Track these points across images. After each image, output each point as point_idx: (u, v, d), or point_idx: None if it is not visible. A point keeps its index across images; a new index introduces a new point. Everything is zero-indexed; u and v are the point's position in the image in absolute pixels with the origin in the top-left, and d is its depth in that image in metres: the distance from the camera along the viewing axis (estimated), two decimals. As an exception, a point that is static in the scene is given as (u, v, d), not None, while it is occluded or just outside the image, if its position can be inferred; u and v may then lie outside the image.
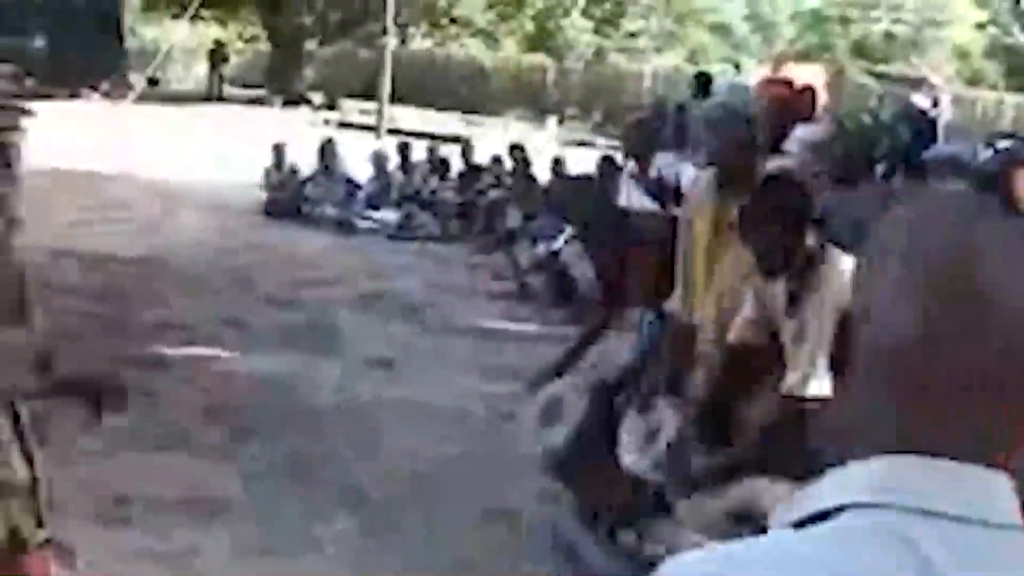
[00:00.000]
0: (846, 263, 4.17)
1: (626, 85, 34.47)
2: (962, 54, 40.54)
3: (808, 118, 9.79)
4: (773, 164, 5.51)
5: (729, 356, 4.46)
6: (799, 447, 4.02)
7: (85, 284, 10.08)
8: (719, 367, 4.51)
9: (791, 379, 4.07)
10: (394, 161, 15.84)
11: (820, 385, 3.96)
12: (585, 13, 40.66)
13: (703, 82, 14.95)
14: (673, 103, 9.78)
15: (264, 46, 38.05)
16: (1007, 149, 5.87)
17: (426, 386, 7.98)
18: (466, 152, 15.86)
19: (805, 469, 3.43)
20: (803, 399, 4.00)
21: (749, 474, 4.11)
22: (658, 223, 5.64)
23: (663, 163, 8.13)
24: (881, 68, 31.20)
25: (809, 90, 11.06)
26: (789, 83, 9.64)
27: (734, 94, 5.31)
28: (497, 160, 15.14)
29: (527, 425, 6.00)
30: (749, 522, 3.92)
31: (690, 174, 6.63)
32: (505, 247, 12.24)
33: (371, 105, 28.95)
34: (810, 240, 4.18)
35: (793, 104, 8.27)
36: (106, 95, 29.89)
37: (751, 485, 4.08)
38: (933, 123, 13.09)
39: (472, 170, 15.32)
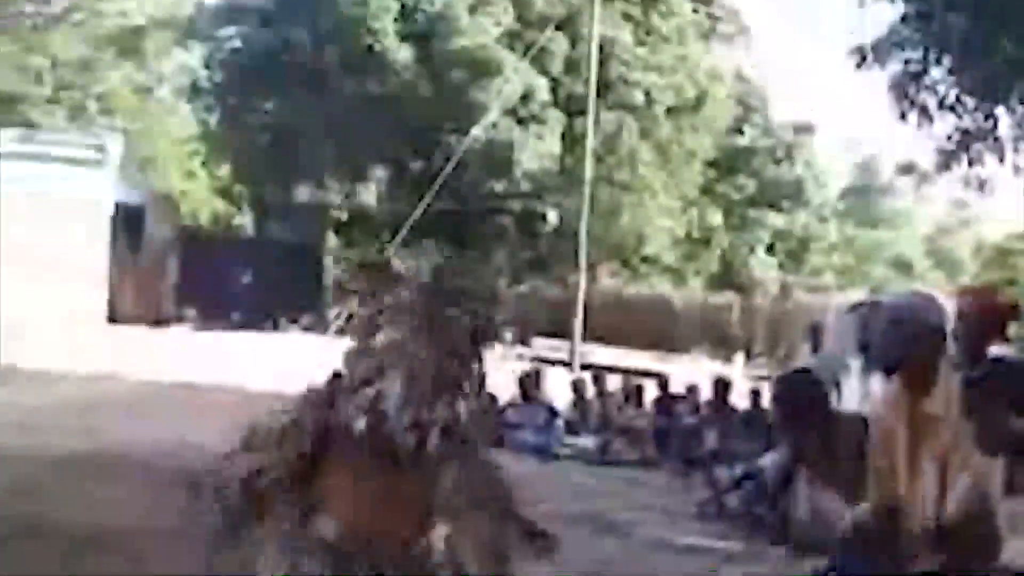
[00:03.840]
0: None
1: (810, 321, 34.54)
2: None
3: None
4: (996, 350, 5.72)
5: (944, 534, 4.68)
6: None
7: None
8: (934, 548, 4.72)
9: (1010, 555, 4.30)
10: (591, 390, 16.34)
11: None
12: (770, 250, 41.19)
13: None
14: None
15: (456, 286, 39.19)
16: None
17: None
18: (663, 383, 16.34)
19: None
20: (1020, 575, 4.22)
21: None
22: (859, 426, 5.85)
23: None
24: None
25: (1015, 308, 11.27)
26: (992, 297, 9.81)
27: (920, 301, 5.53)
28: (691, 389, 15.51)
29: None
30: None
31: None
32: (703, 469, 12.51)
33: (561, 343, 29.67)
34: None
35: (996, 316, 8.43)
36: (306, 329, 31.11)
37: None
38: None
39: (667, 398, 15.71)
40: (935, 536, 4.81)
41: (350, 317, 3.50)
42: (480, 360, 3.54)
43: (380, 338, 3.43)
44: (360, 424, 3.40)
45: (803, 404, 5.52)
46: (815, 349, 12.06)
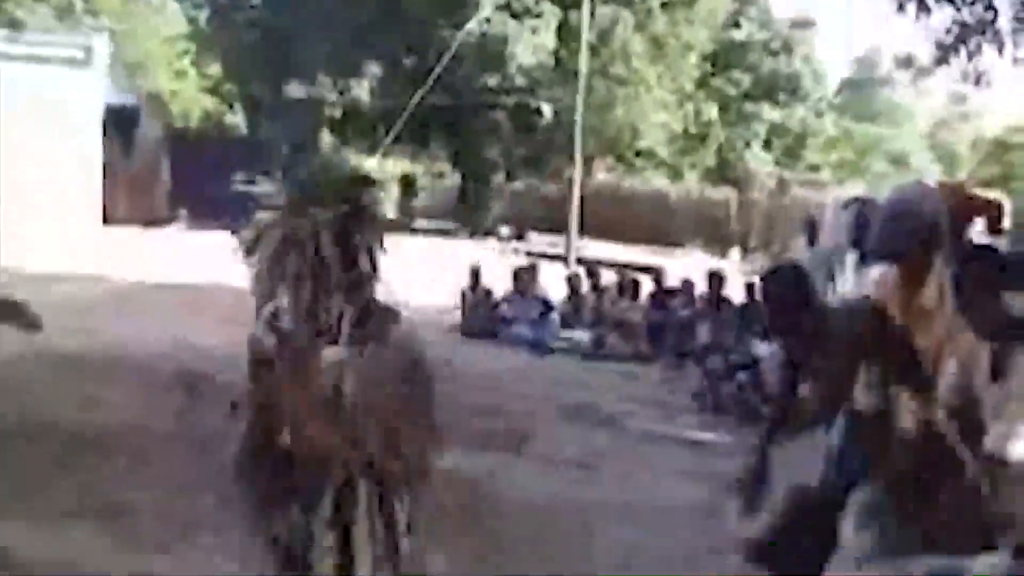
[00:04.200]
0: None
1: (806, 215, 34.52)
2: None
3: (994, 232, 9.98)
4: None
5: (932, 420, 4.76)
6: (999, 512, 4.30)
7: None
8: (922, 435, 4.79)
9: (993, 441, 4.36)
10: (585, 284, 16.41)
11: (1020, 451, 4.27)
12: (766, 145, 41.07)
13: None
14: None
15: (450, 182, 39.16)
16: None
17: (626, 485, 8.37)
18: (658, 277, 16.40)
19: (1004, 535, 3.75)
20: (1004, 462, 4.28)
21: (950, 542, 4.37)
22: (850, 317, 5.88)
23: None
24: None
25: (996, 205, 11.27)
26: (971, 196, 9.83)
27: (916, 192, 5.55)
28: (686, 283, 15.56)
29: (728, 519, 6.33)
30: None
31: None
32: (697, 362, 12.61)
33: (557, 238, 29.72)
34: (1019, 309, 4.49)
35: (976, 213, 8.45)
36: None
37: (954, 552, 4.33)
38: None
39: (662, 293, 15.77)
40: (926, 424, 4.87)
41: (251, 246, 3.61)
42: (368, 247, 3.64)
43: (264, 257, 3.56)
44: (269, 341, 3.57)
45: (790, 298, 5.51)
46: (811, 243, 12.09)
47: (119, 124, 29.36)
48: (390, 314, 3.72)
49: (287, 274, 3.52)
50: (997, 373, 4.55)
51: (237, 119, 46.21)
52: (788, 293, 5.55)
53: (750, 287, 14.44)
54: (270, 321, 3.57)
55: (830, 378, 5.62)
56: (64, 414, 8.73)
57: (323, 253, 3.51)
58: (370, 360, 3.59)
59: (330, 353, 3.56)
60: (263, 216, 3.63)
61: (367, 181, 3.87)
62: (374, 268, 3.66)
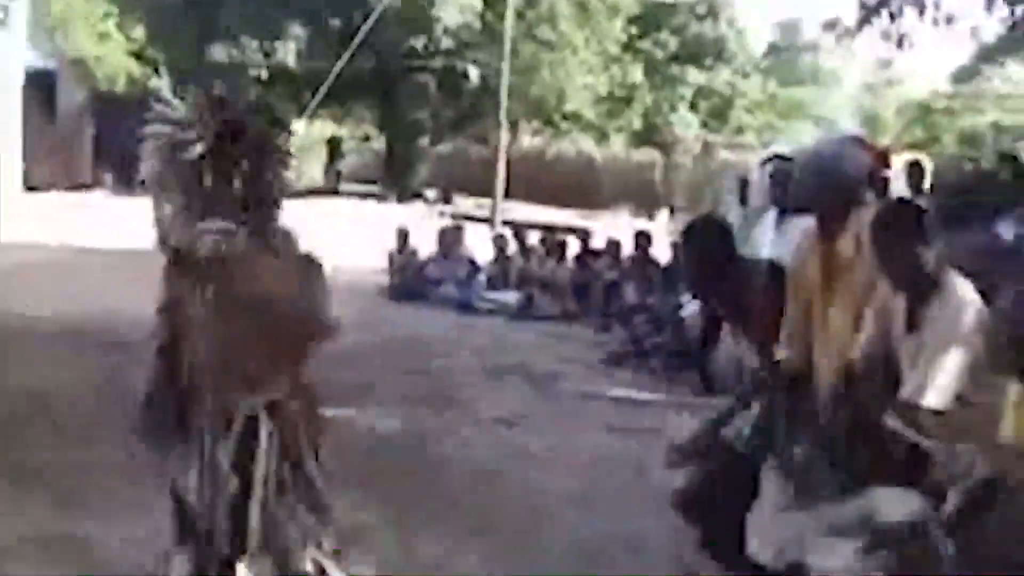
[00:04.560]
0: (964, 285, 4.59)
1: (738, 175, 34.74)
2: (1075, 142, 40.37)
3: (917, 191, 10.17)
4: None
5: (851, 371, 4.87)
6: (914, 455, 4.41)
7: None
8: (842, 384, 4.90)
9: (908, 389, 4.48)
10: (512, 246, 16.45)
11: (933, 397, 4.38)
12: (693, 108, 41.26)
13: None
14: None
15: (376, 145, 39.03)
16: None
17: (550, 439, 8.45)
18: (585, 238, 16.48)
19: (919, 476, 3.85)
20: (918, 407, 4.39)
21: (870, 484, 4.47)
22: (767, 272, 5.98)
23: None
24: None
25: (919, 165, 11.45)
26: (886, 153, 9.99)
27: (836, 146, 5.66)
28: (613, 244, 15.64)
29: (654, 470, 6.45)
30: (868, 526, 4.28)
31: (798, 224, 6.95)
32: (624, 322, 12.70)
33: (483, 201, 29.75)
34: (931, 262, 4.61)
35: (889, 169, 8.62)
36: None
37: (871, 494, 4.43)
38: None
39: (588, 254, 15.85)
40: (845, 375, 4.97)
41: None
42: (268, 169, 3.69)
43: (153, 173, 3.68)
44: (169, 254, 3.65)
45: (711, 251, 5.59)
46: (743, 202, 12.19)
47: (40, 88, 28.98)
48: (289, 235, 3.81)
49: (181, 184, 3.59)
50: (912, 325, 4.67)
51: (162, 83, 45.61)
52: (709, 246, 5.63)
53: (676, 246, 14.56)
54: (162, 236, 3.62)
55: (753, 332, 5.72)
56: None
57: (219, 167, 3.56)
58: (263, 257, 3.65)
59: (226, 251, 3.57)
60: (160, 129, 3.69)
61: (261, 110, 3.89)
62: (270, 193, 3.70)
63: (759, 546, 4.77)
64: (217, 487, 3.65)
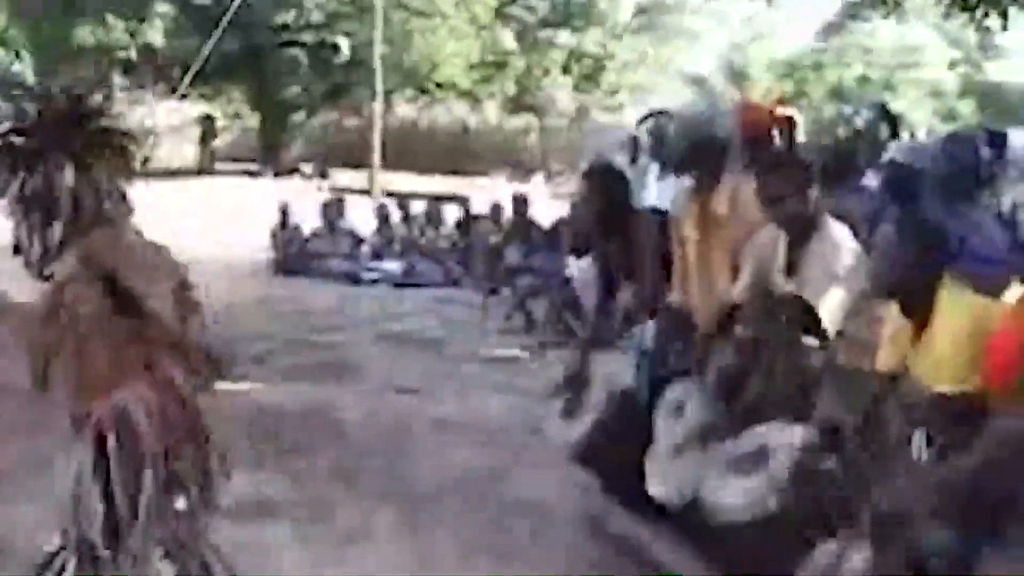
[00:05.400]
0: (840, 228, 4.82)
1: (608, 140, 35.00)
2: (936, 93, 41.29)
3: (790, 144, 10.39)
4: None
5: (728, 314, 5.10)
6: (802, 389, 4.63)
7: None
8: (724, 329, 5.12)
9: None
10: (394, 216, 16.53)
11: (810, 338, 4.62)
12: (565, 71, 41.43)
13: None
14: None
15: (251, 121, 38.65)
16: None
17: (449, 404, 8.59)
18: (465, 205, 16.61)
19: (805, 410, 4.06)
20: (802, 344, 4.61)
21: (759, 419, 4.68)
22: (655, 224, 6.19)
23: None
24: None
25: (790, 120, 11.68)
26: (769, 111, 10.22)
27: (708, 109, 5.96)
28: (495, 208, 15.78)
29: (550, 427, 6.62)
30: (760, 460, 4.48)
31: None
32: (507, 283, 12.86)
33: (360, 173, 29.67)
34: (812, 206, 4.85)
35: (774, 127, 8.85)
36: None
37: (761, 430, 4.64)
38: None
39: (469, 218, 15.98)
40: (727, 319, 5.19)
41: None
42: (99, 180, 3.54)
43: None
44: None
45: (611, 192, 5.82)
46: (633, 160, 12.38)
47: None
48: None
49: (23, 198, 3.46)
50: (791, 267, 4.89)
51: (24, 67, 44.65)
52: (609, 188, 5.85)
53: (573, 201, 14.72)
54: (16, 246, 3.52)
55: (646, 279, 5.93)
56: None
57: (50, 179, 3.44)
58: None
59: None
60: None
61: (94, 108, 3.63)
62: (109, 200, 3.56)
63: (659, 486, 4.96)
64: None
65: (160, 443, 3.55)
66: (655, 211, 6.48)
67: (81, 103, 3.57)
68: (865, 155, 6.76)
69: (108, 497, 3.49)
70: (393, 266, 15.34)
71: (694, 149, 5.56)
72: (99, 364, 3.47)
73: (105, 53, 33.46)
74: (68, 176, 3.44)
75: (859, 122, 7.00)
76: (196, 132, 36.99)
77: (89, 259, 3.43)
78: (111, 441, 3.48)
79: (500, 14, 39.88)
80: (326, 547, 5.68)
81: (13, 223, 3.51)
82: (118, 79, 35.47)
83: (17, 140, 3.46)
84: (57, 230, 3.44)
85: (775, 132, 8.24)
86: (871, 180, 6.84)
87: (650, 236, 5.96)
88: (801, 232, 4.85)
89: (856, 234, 4.89)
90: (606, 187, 5.97)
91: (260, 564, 5.37)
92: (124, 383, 3.51)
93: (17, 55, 45.38)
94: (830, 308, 4.64)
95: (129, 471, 3.49)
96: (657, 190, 8.73)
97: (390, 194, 24.51)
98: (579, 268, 11.23)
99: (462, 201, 17.29)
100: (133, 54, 34.11)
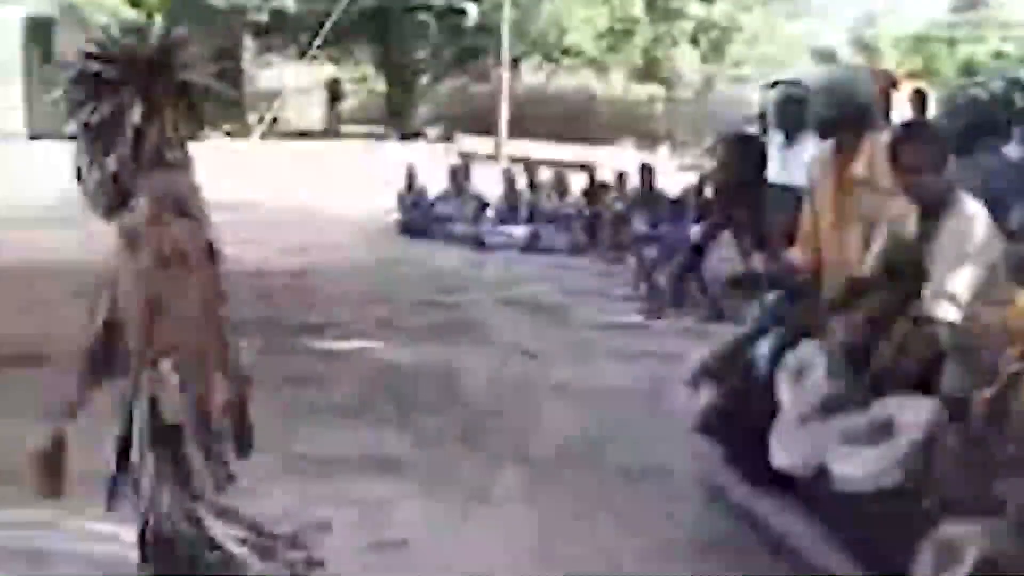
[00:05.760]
0: (974, 203, 4.76)
1: (734, 111, 34.73)
2: (1074, 69, 40.27)
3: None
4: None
5: (863, 284, 5.06)
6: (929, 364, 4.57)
7: (257, 293, 10.51)
8: (854, 298, 5.08)
9: (923, 303, 4.65)
10: (521, 181, 16.58)
11: (947, 309, 4.55)
12: (693, 42, 41.09)
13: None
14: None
15: (377, 85, 38.91)
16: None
17: (570, 368, 8.63)
18: (591, 172, 16.61)
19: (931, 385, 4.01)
20: (932, 320, 4.56)
21: (888, 392, 4.64)
22: (790, 196, 6.16)
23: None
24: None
25: (921, 93, 11.53)
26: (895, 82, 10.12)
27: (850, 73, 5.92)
28: (620, 177, 15.76)
29: (673, 395, 6.62)
30: (888, 434, 4.44)
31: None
32: (633, 252, 12.83)
33: (486, 139, 29.75)
34: (945, 179, 4.79)
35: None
36: (228, 134, 30.73)
37: (888, 402, 4.60)
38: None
39: (596, 186, 15.97)
40: (856, 289, 5.15)
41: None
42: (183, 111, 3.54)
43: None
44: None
45: (747, 162, 5.81)
46: (764, 132, 12.31)
47: (38, 35, 28.90)
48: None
49: (89, 125, 3.46)
50: (923, 241, 4.84)
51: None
52: (747, 156, 5.83)
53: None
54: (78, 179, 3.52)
55: (776, 248, 5.91)
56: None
57: (118, 112, 3.43)
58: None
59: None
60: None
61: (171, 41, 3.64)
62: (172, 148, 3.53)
63: (785, 457, 4.94)
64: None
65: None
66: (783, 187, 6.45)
67: (169, 52, 3.58)
68: (1002, 120, 6.65)
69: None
70: (518, 231, 15.38)
71: (840, 108, 5.54)
72: (183, 307, 3.42)
73: (237, 16, 33.88)
74: (136, 113, 3.43)
75: (996, 86, 6.88)
76: (323, 95, 37.36)
77: (162, 200, 3.42)
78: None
79: (630, -19, 39.67)
80: (447, 506, 5.72)
81: (76, 149, 3.54)
82: (248, 42, 36.01)
83: (97, 67, 3.46)
84: (112, 162, 3.43)
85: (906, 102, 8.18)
86: (1012, 150, 6.73)
87: (782, 205, 5.93)
88: (934, 206, 4.79)
89: (991, 210, 4.82)
90: (745, 154, 5.95)
91: (381, 519, 5.49)
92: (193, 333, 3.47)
93: (150, 16, 46.21)
94: (959, 285, 4.59)
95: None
96: (779, 161, 8.66)
97: (515, 160, 24.55)
98: (702, 234, 11.16)
99: (588, 169, 17.32)
100: (264, 17, 34.50)
